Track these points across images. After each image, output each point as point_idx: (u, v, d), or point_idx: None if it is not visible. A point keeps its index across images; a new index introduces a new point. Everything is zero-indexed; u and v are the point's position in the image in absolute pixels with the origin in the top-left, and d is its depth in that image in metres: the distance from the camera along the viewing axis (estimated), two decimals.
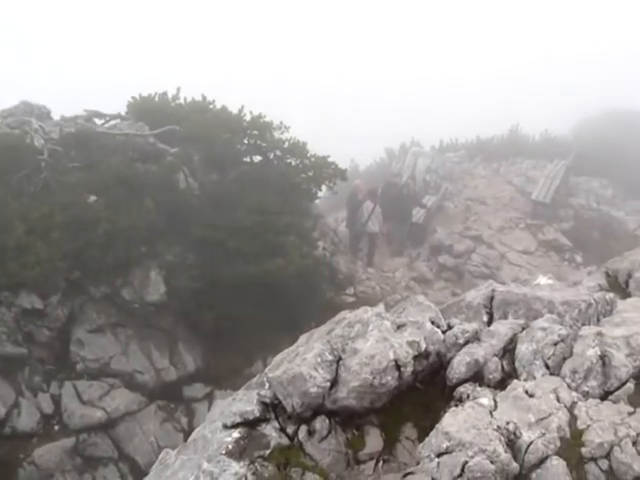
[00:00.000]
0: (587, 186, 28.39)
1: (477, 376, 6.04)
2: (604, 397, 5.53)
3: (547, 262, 20.73)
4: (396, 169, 26.13)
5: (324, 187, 17.95)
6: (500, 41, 63.48)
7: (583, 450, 5.03)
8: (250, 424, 5.70)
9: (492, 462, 4.78)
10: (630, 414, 5.30)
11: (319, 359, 5.81)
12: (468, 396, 5.76)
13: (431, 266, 20.59)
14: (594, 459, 5.00)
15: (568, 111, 41.63)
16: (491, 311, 6.91)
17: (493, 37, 65.09)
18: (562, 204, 23.98)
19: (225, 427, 5.68)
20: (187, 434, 8.78)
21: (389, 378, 5.75)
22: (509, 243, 21.39)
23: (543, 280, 7.73)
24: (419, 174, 24.86)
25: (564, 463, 4.92)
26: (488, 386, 5.95)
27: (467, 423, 5.07)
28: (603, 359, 5.61)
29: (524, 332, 6.18)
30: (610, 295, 6.91)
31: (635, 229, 24.72)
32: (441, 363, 6.28)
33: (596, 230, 22.20)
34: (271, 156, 17.52)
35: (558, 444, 5.04)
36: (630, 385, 5.54)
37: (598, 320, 6.49)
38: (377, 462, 5.78)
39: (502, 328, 6.31)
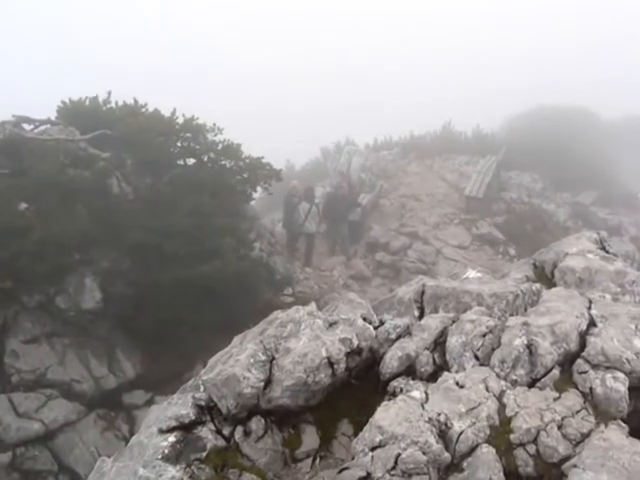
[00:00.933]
0: (518, 180, 29.08)
1: (409, 370, 6.15)
2: (531, 384, 5.68)
3: (482, 256, 21.13)
4: (333, 169, 26.33)
5: (259, 188, 17.97)
6: (434, 42, 64.59)
7: (512, 436, 5.18)
8: (186, 427, 5.68)
9: (424, 453, 4.89)
10: (555, 399, 5.48)
11: (252, 360, 5.83)
12: (401, 390, 5.86)
13: (368, 263, 20.80)
14: (522, 444, 5.15)
15: (499, 107, 42.57)
16: (422, 306, 7.02)
17: (429, 37, 66.19)
18: (495, 199, 24.49)
19: (161, 432, 5.65)
20: (128, 442, 8.70)
21: (322, 375, 5.80)
22: (444, 238, 21.74)
23: (472, 273, 7.89)
24: (354, 172, 25.05)
25: (494, 450, 5.06)
26: (420, 379, 6.06)
27: (399, 416, 5.16)
28: (530, 348, 5.77)
29: (454, 325, 6.30)
30: (537, 286, 7.09)
31: (565, 220, 25.45)
32: (374, 358, 6.37)
33: (528, 223, 22.73)
34: (205, 158, 17.44)
35: (488, 432, 5.18)
36: (555, 372, 5.72)
37: (525, 310, 6.66)
38: (314, 459, 5.83)
39: (433, 322, 6.43)
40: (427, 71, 59.00)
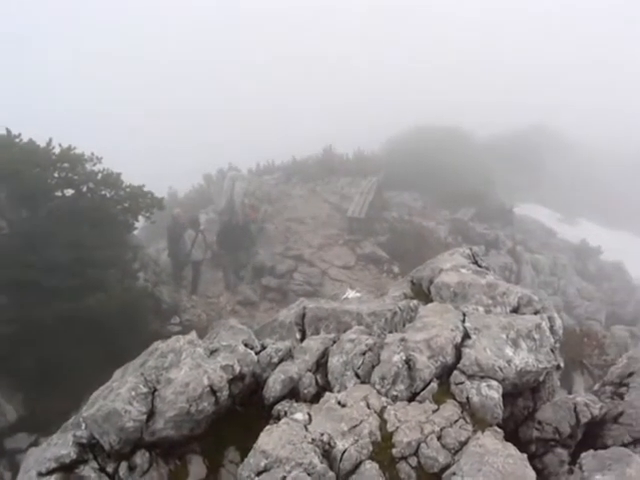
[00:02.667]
0: (399, 199, 29.83)
1: (293, 392, 6.21)
2: (411, 398, 5.86)
3: (367, 275, 21.45)
4: (216, 195, 26.23)
5: (141, 217, 17.62)
6: (313, 66, 65.75)
7: (394, 451, 5.31)
8: (67, 468, 5.52)
9: (309, 474, 4.94)
10: (434, 412, 5.67)
11: (133, 392, 5.73)
12: (285, 413, 5.90)
13: (255, 288, 20.71)
14: (404, 458, 5.30)
15: (379, 129, 43.63)
16: (303, 328, 7.11)
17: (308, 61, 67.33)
18: (377, 218, 24.93)
19: (40, 475, 5.47)
20: None
21: (205, 404, 5.77)
22: (329, 259, 21.93)
23: (351, 294, 8.07)
24: (237, 198, 24.96)
25: (377, 465, 5.18)
26: (304, 401, 6.13)
27: (283, 439, 5.19)
28: (408, 363, 5.94)
29: (335, 345, 6.42)
30: (414, 302, 7.32)
31: (446, 237, 26.23)
32: (258, 383, 6.39)
33: (410, 240, 23.16)
34: (84, 189, 16.93)
35: (370, 448, 5.29)
36: (434, 385, 5.92)
37: (404, 326, 6.84)
38: None
39: (314, 343, 6.52)
40: (303, 99, 59.89)
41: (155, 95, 61.79)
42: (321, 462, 5.06)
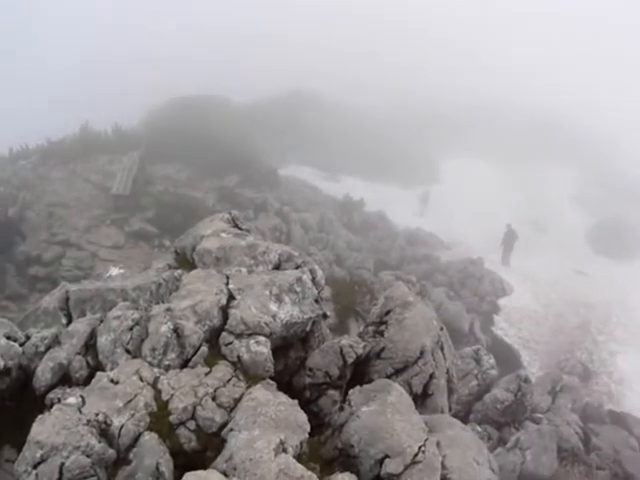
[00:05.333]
0: (164, 172, 29.49)
1: (65, 378, 6.10)
2: (184, 365, 5.98)
3: (138, 252, 21.12)
4: None
5: None
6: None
7: (171, 418, 5.43)
8: None
9: (88, 456, 4.92)
10: (207, 374, 5.84)
11: None
12: (59, 400, 5.78)
13: (22, 281, 19.62)
14: (182, 423, 5.43)
15: (137, 102, 42.57)
16: (69, 312, 6.94)
17: None
18: (143, 193, 24.52)
19: None
20: None
21: None
22: (98, 241, 21.28)
23: (115, 271, 7.97)
24: None
25: (156, 435, 5.27)
26: (77, 385, 6.04)
27: (57, 426, 5.10)
28: (177, 331, 6.04)
29: (102, 325, 6.36)
30: (178, 272, 7.40)
31: (214, 205, 26.40)
32: (27, 375, 6.19)
33: (179, 213, 23.04)
34: None
35: (148, 420, 5.36)
36: (204, 349, 6.08)
37: (170, 296, 6.91)
38: None
39: (80, 326, 6.41)
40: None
41: None
42: (99, 442, 5.05)
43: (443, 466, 5.50)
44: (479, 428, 13.59)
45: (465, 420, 13.70)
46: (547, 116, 55.04)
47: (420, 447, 5.53)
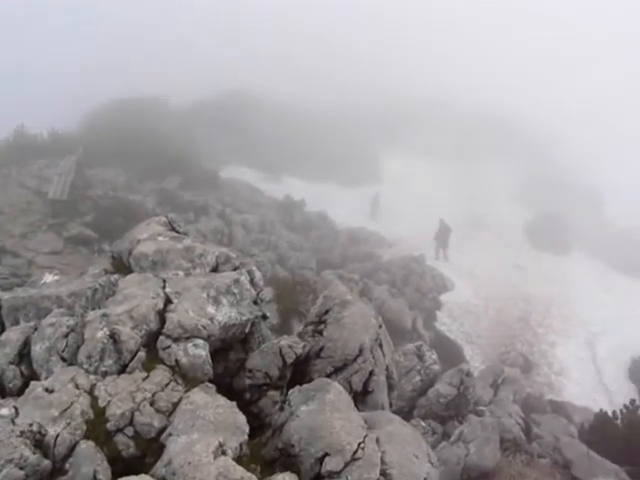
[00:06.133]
0: (102, 176, 29.13)
1: None
2: (122, 371, 5.90)
3: (78, 258, 20.76)
4: None
5: None
6: None
7: (108, 425, 5.36)
8: None
9: (22, 468, 4.82)
10: (144, 379, 5.78)
11: None
12: None
13: None
14: (120, 429, 5.37)
15: (73, 106, 41.88)
16: (2, 320, 6.78)
17: None
18: (81, 198, 24.15)
19: None
20: None
21: None
22: (35, 247, 20.83)
23: (49, 278, 7.83)
24: None
25: (93, 443, 5.19)
26: (11, 395, 5.91)
27: None
28: (113, 337, 5.96)
29: (36, 332, 6.23)
30: (115, 276, 7.30)
31: (154, 207, 26.17)
32: None
33: (118, 216, 22.74)
34: None
35: (84, 428, 5.28)
36: (141, 354, 6.01)
37: (107, 301, 6.82)
38: None
39: (13, 334, 6.27)
40: None
41: None
42: (34, 453, 4.94)
43: (382, 461, 5.56)
44: (423, 423, 13.74)
45: (409, 416, 13.86)
46: (489, 114, 55.99)
47: (359, 444, 5.59)
